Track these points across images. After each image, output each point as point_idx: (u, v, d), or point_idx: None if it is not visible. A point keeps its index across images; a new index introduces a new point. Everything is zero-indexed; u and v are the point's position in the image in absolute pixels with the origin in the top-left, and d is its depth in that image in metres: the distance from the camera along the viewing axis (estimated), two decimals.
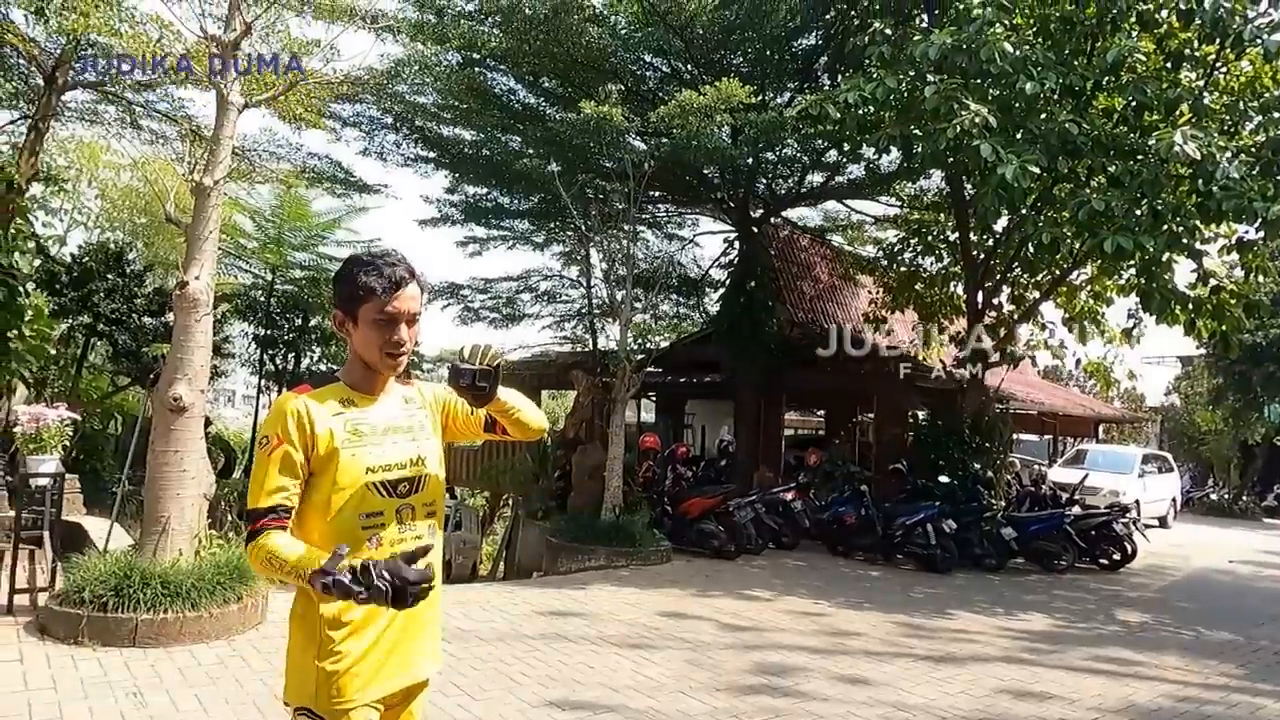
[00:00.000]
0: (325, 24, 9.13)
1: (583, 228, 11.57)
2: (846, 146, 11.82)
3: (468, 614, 6.50)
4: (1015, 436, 22.17)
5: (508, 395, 2.09)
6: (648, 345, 11.04)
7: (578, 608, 7.02)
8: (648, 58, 12.33)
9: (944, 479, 11.00)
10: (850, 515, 10.74)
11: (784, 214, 16.17)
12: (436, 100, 12.58)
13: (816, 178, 14.83)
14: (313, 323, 15.11)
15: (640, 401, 19.06)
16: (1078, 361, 15.68)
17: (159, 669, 4.68)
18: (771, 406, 15.10)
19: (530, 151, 12.09)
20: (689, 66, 12.18)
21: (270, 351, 15.10)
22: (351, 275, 1.91)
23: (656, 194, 15.18)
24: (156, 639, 5.03)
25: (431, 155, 13.85)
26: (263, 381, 15.50)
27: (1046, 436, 23.32)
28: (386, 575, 1.65)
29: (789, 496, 11.03)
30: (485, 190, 14.69)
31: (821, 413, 21.97)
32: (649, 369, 11.06)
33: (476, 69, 12.24)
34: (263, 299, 15.01)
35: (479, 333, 17.28)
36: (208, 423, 10.08)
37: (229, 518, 9.63)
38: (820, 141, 12.19)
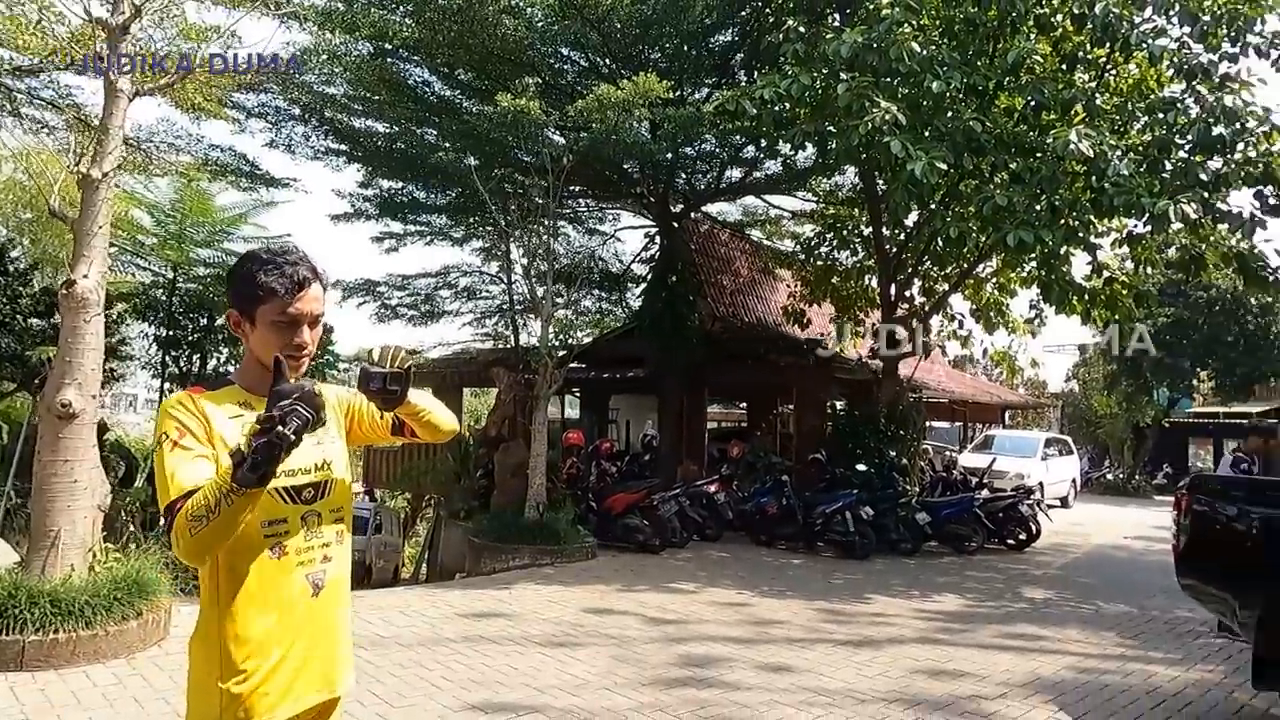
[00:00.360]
0: (225, 9, 8.69)
1: (502, 223, 11.41)
2: (764, 142, 11.98)
3: (386, 619, 6.33)
4: (928, 424, 23.03)
5: (417, 397, 2.02)
6: (569, 341, 10.96)
7: (501, 608, 6.92)
8: (565, 51, 12.22)
9: (861, 467, 11.30)
10: (772, 505, 10.94)
11: (704, 209, 16.30)
12: (347, 91, 12.18)
13: (735, 173, 15.00)
14: (219, 322, 14.45)
15: (564, 398, 18.96)
16: (984, 351, 16.35)
17: (50, 693, 4.39)
18: (694, 400, 15.22)
19: (446, 145, 11.83)
20: (607, 60, 12.13)
21: (173, 353, 14.37)
22: (250, 274, 1.80)
23: (576, 189, 15.09)
24: (47, 661, 4.71)
25: (343, 148, 13.41)
26: (165, 385, 14.76)
27: (957, 423, 24.25)
28: (284, 402, 1.54)
29: (712, 489, 11.15)
30: (400, 184, 14.32)
31: (744, 405, 22.30)
32: (572, 365, 11.01)
33: (388, 60, 11.90)
34: (164, 298, 14.27)
35: (397, 331, 16.90)
36: (104, 429, 9.52)
37: (130, 529, 9.12)
38: (738, 137, 12.34)
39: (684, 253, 15.16)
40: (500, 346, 16.01)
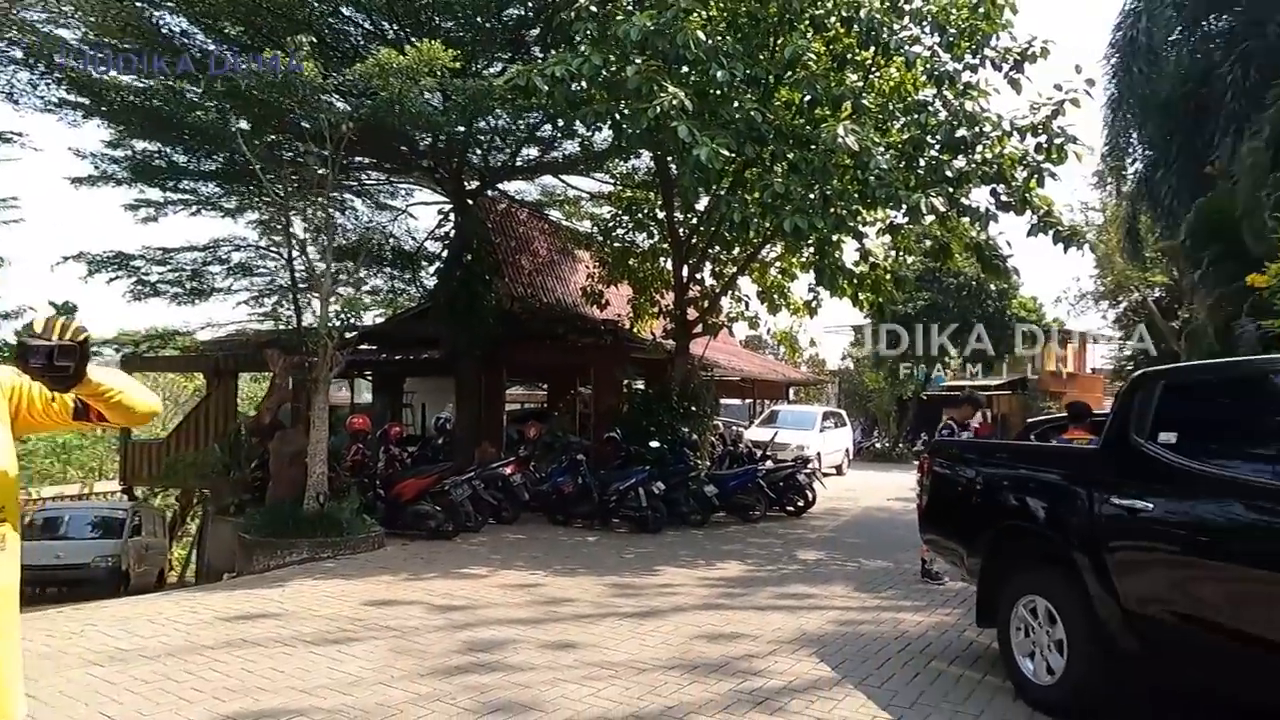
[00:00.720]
0: None
1: (279, 193, 10.53)
2: (560, 122, 11.90)
3: (130, 630, 5.67)
4: (721, 401, 24.16)
5: (103, 375, 1.75)
6: (354, 321, 10.35)
7: (271, 608, 6.43)
8: (346, 11, 11.44)
9: (654, 444, 11.62)
10: (568, 485, 11.01)
11: (501, 187, 16.01)
12: (86, 36, 10.67)
13: (532, 151, 14.82)
14: None
15: (354, 382, 17.99)
16: (768, 330, 17.38)
17: None
18: (492, 381, 14.99)
19: (211, 104, 10.71)
20: (394, 25, 11.51)
21: None
22: None
23: (365, 160, 14.31)
24: None
25: (83, 101, 11.75)
26: None
27: (748, 400, 25.69)
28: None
29: (508, 470, 11.02)
30: (157, 146, 12.81)
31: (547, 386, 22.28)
32: (363, 347, 10.44)
33: (138, 3, 10.55)
34: None
35: (159, 310, 15.21)
36: None
37: None
38: (533, 115, 12.17)
39: (480, 231, 14.82)
40: (282, 327, 14.87)
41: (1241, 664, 3.43)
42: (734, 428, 16.99)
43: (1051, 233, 10.39)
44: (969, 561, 5.17)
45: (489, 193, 15.36)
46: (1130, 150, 15.47)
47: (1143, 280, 23.41)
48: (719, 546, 9.79)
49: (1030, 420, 9.43)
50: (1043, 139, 10.46)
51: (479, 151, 13.92)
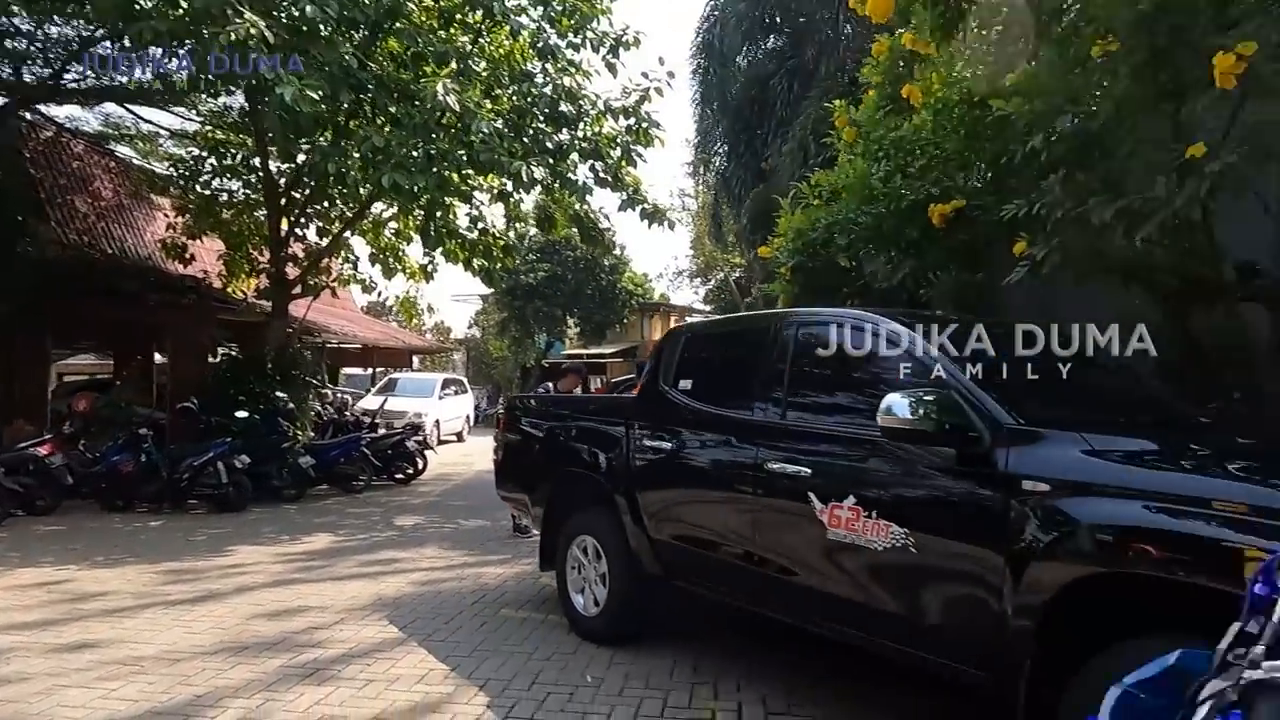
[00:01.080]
0: None
1: None
2: (128, 40, 10.00)
3: None
4: (344, 370, 22.83)
5: None
6: None
7: None
8: None
9: (241, 414, 10.51)
10: (127, 463, 9.49)
11: (43, 110, 13.16)
12: None
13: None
14: None
15: None
16: (379, 294, 16.71)
17: None
18: (31, 346, 12.35)
19: None
20: None
21: None
22: None
23: None
24: None
25: None
26: None
27: (372, 369, 24.59)
28: None
29: (43, 451, 9.16)
30: None
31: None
32: None
33: None
34: None
35: None
36: None
37: None
38: (83, 25, 10.11)
39: (15, 160, 12.07)
40: None
41: (731, 574, 3.99)
42: (340, 395, 16.09)
43: (639, 209, 11.34)
44: (534, 510, 5.41)
45: (24, 114, 12.52)
46: (714, 144, 17.50)
47: (725, 261, 26.93)
48: (311, 520, 9.18)
49: (613, 380, 10.27)
50: (632, 122, 11.31)
51: (3, 61, 11.24)
